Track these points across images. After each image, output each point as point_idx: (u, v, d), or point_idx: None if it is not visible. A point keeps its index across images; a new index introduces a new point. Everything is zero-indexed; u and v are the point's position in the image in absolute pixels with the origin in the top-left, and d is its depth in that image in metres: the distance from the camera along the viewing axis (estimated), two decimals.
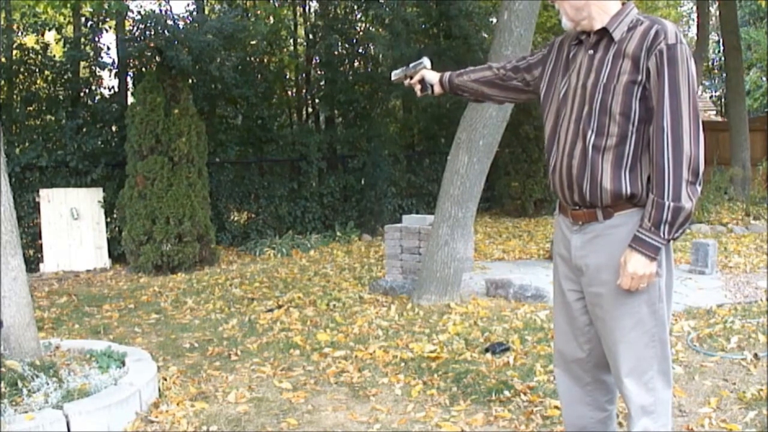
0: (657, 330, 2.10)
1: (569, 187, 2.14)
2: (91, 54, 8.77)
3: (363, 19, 11.43)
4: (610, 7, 2.08)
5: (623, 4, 2.11)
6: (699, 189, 1.96)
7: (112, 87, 9.23)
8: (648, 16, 2.06)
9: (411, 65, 2.71)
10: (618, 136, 2.03)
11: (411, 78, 2.70)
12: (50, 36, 9.93)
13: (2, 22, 8.87)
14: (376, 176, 10.16)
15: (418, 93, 2.71)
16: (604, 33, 2.08)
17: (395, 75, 2.77)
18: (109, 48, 8.94)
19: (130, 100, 8.67)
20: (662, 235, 1.96)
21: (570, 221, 2.20)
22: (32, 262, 7.63)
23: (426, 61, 2.69)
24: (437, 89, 2.66)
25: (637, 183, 2.04)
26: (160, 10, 8.66)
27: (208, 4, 10.97)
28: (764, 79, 17.99)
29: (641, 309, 2.08)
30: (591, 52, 2.11)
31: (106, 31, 8.99)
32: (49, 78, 8.79)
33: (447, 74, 2.63)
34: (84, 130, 8.31)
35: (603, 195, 2.06)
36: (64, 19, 10.04)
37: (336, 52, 10.73)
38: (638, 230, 1.99)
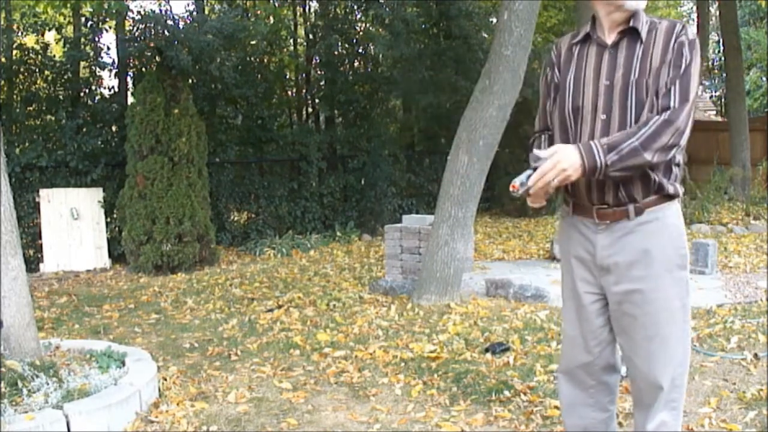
0: (686, 325, 2.12)
1: (599, 187, 2.11)
2: (91, 54, 8.77)
3: (363, 19, 11.43)
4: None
5: None
6: (664, 158, 1.98)
7: (112, 87, 9.23)
8: (660, 18, 2.10)
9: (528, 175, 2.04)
10: None
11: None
12: (50, 36, 9.94)
13: (2, 22, 8.87)
14: (376, 176, 10.16)
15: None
16: (630, 32, 2.08)
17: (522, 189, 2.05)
18: (109, 48, 8.95)
19: (130, 100, 8.67)
20: (608, 159, 1.95)
21: (593, 221, 2.17)
22: (32, 262, 7.62)
23: (542, 153, 2.02)
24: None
25: (662, 175, 2.06)
26: (160, 10, 8.67)
27: (208, 4, 10.97)
28: (764, 79, 17.99)
29: (674, 303, 2.09)
30: (612, 50, 2.11)
31: (106, 31, 8.99)
32: (49, 78, 8.79)
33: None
34: (84, 130, 8.31)
35: (638, 193, 2.07)
36: (64, 19, 10.04)
37: (336, 52, 10.73)
38: (594, 140, 2.01)
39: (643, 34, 2.06)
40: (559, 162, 1.96)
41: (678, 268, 2.09)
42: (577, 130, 2.13)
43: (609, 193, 2.11)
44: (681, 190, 2.13)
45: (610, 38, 2.12)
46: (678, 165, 2.12)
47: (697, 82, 2.02)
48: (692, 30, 2.06)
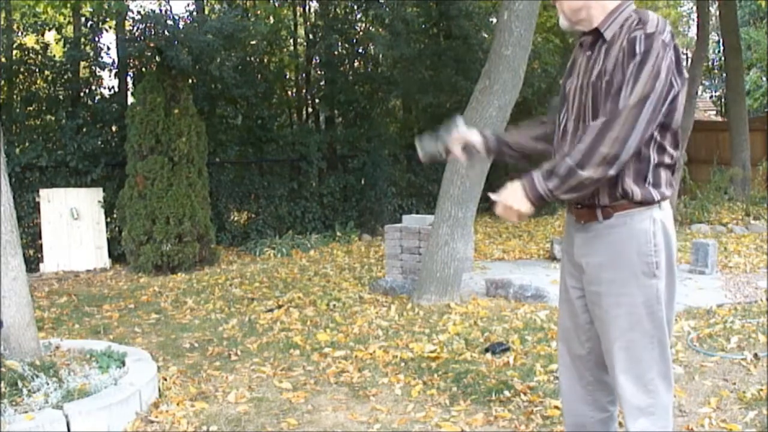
0: (655, 332, 2.09)
1: None
2: (91, 54, 8.77)
3: (363, 19, 11.43)
4: (609, 7, 2.07)
5: (620, 2, 2.09)
6: (609, 172, 1.92)
7: (112, 87, 9.23)
8: (639, 11, 2.03)
9: (441, 133, 2.28)
10: None
11: (447, 152, 2.32)
12: (50, 36, 9.93)
13: (2, 22, 8.87)
14: (376, 176, 10.15)
15: (463, 161, 2.37)
16: (597, 33, 2.08)
17: (425, 151, 2.31)
18: (109, 48, 8.94)
19: (130, 100, 8.67)
20: (548, 185, 1.96)
21: (574, 219, 2.21)
22: (32, 262, 7.62)
23: (459, 120, 2.31)
24: (483, 153, 2.36)
25: (631, 181, 2.02)
26: (160, 10, 8.67)
27: (208, 4, 10.97)
28: (764, 79, 17.97)
29: (638, 310, 2.07)
30: (588, 53, 2.12)
31: (106, 31, 8.99)
32: (49, 78, 8.79)
33: (492, 136, 2.38)
34: (84, 130, 8.30)
35: (600, 194, 2.06)
36: (64, 19, 10.05)
37: (336, 52, 10.73)
38: (534, 170, 2.00)
39: (608, 35, 2.04)
40: (505, 202, 2.02)
41: (644, 276, 2.05)
42: (563, 127, 2.18)
43: None
44: (661, 194, 2.05)
45: (588, 41, 2.14)
46: (666, 166, 2.05)
47: (650, 81, 1.89)
48: (654, 22, 1.94)
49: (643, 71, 1.90)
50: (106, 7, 7.87)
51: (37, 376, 3.27)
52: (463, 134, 2.33)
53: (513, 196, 2.00)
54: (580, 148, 1.92)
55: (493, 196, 2.05)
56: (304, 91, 11.75)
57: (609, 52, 2.02)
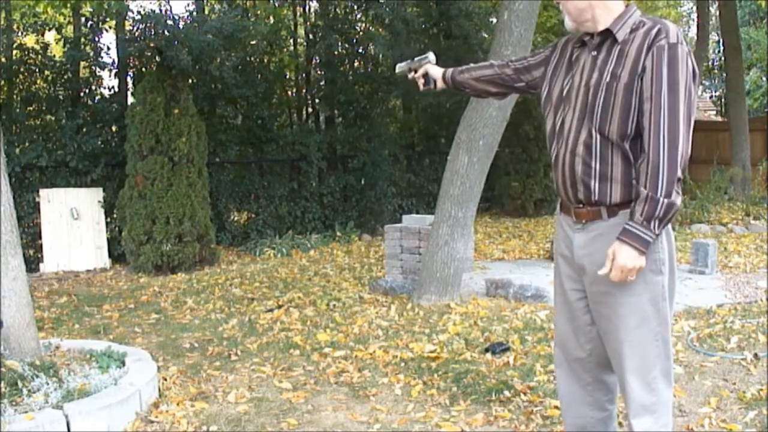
0: (660, 329, 2.10)
1: (573, 185, 2.15)
2: (91, 54, 8.77)
3: (363, 19, 11.43)
4: (614, 8, 2.10)
5: (626, 5, 2.11)
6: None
7: (112, 87, 9.23)
8: (651, 18, 2.07)
9: (416, 59, 2.78)
10: (619, 136, 2.04)
11: (415, 72, 2.76)
12: (50, 36, 9.93)
13: (2, 22, 8.87)
14: (376, 176, 10.15)
15: (421, 87, 2.77)
16: (607, 34, 2.10)
17: (399, 68, 2.84)
18: (109, 48, 8.94)
19: (130, 100, 8.67)
20: (654, 229, 1.97)
21: (572, 220, 2.21)
22: (32, 262, 7.62)
23: (431, 55, 2.76)
24: (440, 84, 2.74)
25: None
26: (160, 10, 8.66)
27: (208, 4, 10.97)
28: (764, 79, 17.98)
29: (646, 307, 2.08)
30: (594, 53, 2.12)
31: (106, 31, 8.99)
32: (49, 78, 8.79)
33: (450, 71, 2.70)
34: (84, 130, 8.30)
35: (612, 192, 2.08)
36: (64, 19, 10.05)
37: (336, 52, 10.73)
38: (629, 223, 1.99)
39: (620, 36, 2.06)
40: (624, 267, 1.99)
41: (651, 273, 2.07)
42: (563, 126, 2.18)
43: (581, 191, 2.13)
44: None
45: (593, 41, 2.15)
46: None
47: (684, 90, 1.96)
48: (674, 31, 1.99)
49: (679, 87, 1.95)
50: (106, 7, 7.87)
51: (37, 376, 3.27)
52: (427, 66, 2.76)
53: (628, 259, 1.98)
54: (663, 180, 1.94)
55: (603, 271, 2.04)
56: (304, 91, 11.75)
57: (623, 54, 2.04)
